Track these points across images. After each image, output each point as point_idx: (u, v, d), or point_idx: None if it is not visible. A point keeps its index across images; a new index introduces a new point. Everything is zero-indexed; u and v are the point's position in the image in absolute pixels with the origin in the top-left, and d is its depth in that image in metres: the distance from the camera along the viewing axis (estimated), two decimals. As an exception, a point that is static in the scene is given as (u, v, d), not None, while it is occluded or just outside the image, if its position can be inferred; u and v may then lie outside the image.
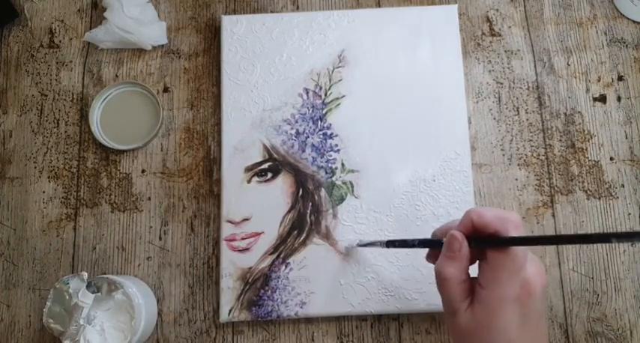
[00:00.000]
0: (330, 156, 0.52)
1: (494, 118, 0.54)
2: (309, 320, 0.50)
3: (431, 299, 0.49)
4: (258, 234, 0.50)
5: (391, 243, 0.44)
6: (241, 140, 0.52)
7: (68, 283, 0.44)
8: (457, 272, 0.34)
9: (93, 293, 0.45)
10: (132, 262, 0.52)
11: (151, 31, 0.55)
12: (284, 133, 0.52)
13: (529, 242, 0.33)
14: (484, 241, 0.34)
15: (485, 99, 0.55)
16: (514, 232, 0.33)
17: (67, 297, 0.44)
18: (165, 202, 0.53)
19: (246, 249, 0.50)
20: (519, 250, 0.32)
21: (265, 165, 0.52)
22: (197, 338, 0.50)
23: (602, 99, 0.55)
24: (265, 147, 0.52)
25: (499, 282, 0.33)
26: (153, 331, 0.50)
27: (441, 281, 0.35)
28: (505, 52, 0.56)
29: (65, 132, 0.55)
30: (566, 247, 0.51)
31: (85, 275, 0.44)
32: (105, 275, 0.46)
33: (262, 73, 0.53)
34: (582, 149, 0.54)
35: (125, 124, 0.54)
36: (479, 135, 0.54)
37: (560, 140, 0.54)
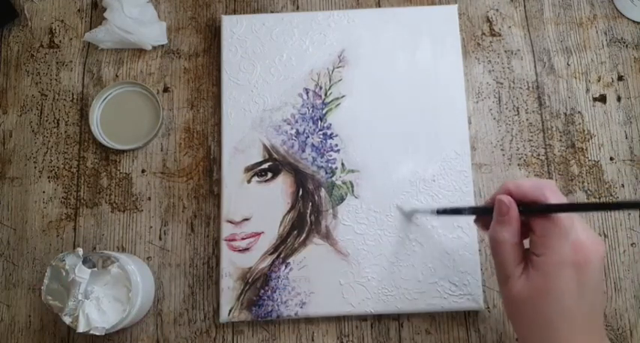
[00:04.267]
0: (330, 156, 0.52)
1: (494, 118, 0.54)
2: (309, 320, 0.50)
3: (431, 299, 0.49)
4: (258, 234, 0.50)
5: (442, 211, 0.46)
6: (241, 140, 0.52)
7: (64, 260, 0.44)
8: (509, 236, 0.35)
9: (89, 268, 0.45)
10: (132, 262, 0.52)
11: (151, 31, 0.55)
12: (284, 133, 0.52)
13: (565, 209, 0.34)
14: (528, 208, 0.35)
15: (485, 99, 0.55)
16: (552, 197, 0.34)
17: (64, 274, 0.44)
18: (165, 202, 0.53)
19: (246, 249, 0.50)
20: (562, 215, 0.33)
21: (265, 165, 0.52)
22: (197, 338, 0.50)
23: (602, 99, 0.55)
24: (265, 147, 0.52)
25: (550, 247, 0.33)
26: (152, 308, 0.50)
27: (495, 246, 0.36)
28: (505, 52, 0.56)
29: (65, 132, 0.55)
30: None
31: (81, 251, 0.45)
32: (100, 251, 0.47)
33: (262, 73, 0.53)
34: (582, 149, 0.54)
35: (125, 124, 0.54)
36: (479, 135, 0.54)
37: (560, 140, 0.54)
